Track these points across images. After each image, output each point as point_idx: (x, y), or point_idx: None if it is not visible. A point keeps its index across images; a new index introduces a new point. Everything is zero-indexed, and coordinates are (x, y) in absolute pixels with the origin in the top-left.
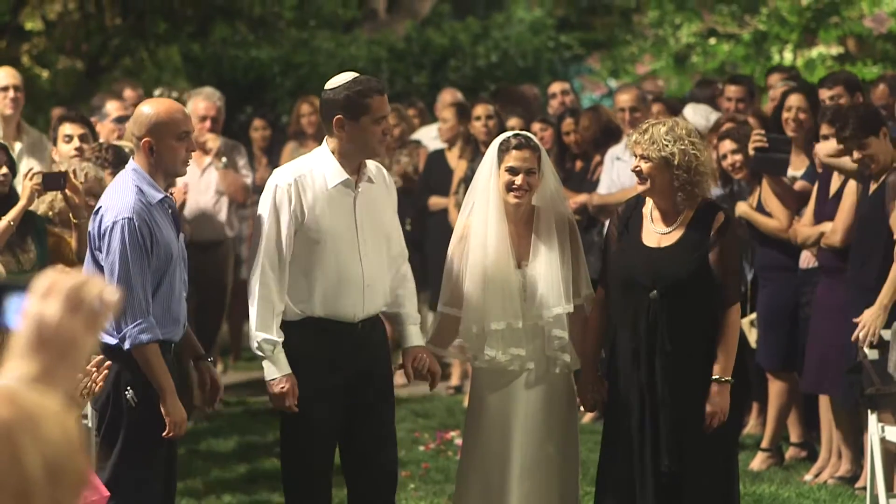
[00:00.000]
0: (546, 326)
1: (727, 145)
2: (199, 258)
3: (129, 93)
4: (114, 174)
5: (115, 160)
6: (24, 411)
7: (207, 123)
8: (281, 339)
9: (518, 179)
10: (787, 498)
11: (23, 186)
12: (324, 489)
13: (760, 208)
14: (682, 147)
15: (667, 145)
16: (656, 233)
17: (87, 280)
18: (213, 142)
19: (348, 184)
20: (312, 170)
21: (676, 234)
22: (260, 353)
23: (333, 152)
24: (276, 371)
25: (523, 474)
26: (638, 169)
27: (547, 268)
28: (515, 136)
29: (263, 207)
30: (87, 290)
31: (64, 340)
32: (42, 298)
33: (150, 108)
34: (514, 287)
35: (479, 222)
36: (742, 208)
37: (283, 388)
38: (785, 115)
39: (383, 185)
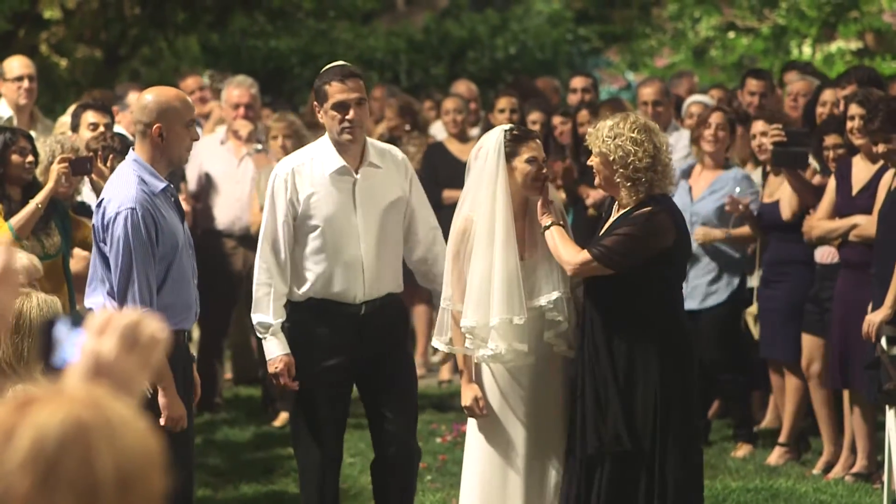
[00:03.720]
0: (546, 313)
1: (759, 126)
2: (238, 250)
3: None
4: (120, 161)
5: (122, 148)
6: (104, 417)
7: (241, 111)
8: (277, 322)
9: (538, 169)
10: (805, 493)
11: (50, 170)
12: (330, 469)
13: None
14: (620, 143)
15: (605, 140)
16: None
17: (141, 318)
18: (245, 128)
19: (345, 171)
20: (312, 158)
21: None
22: (259, 335)
23: (331, 140)
24: (272, 351)
25: (528, 467)
26: (590, 164)
27: (544, 255)
28: (517, 127)
29: (266, 197)
30: (141, 328)
31: (119, 378)
32: (98, 335)
33: (160, 95)
34: (517, 281)
35: (484, 217)
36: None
37: (276, 367)
38: (849, 124)
39: (392, 168)
